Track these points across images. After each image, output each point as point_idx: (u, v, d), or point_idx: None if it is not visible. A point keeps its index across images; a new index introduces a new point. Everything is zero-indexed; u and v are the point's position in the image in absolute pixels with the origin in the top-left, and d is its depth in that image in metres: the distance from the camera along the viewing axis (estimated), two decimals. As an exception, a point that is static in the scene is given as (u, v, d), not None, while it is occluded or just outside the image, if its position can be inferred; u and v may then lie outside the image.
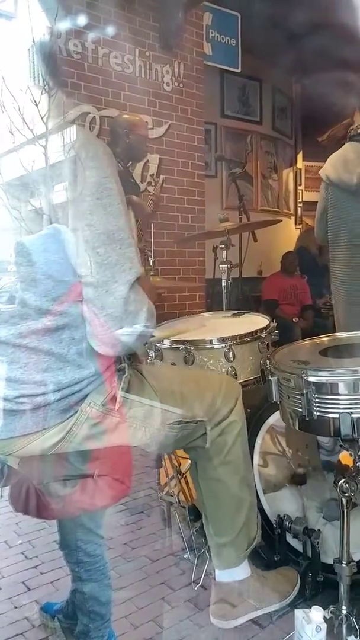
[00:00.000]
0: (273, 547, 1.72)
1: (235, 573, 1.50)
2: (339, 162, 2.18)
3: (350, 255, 2.23)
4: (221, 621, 1.47)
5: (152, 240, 3.24)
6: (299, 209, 6.99)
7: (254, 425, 1.82)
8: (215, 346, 1.76)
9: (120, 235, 1.16)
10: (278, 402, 1.48)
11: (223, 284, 2.56)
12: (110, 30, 3.87)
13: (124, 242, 1.16)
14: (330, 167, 2.22)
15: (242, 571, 1.51)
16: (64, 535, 1.45)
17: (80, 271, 1.15)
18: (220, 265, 2.57)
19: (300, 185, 6.98)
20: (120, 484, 1.26)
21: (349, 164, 2.13)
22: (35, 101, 1.20)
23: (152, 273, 2.21)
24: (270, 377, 1.47)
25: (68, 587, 1.54)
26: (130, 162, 3.13)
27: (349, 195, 2.18)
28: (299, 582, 1.60)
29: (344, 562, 1.34)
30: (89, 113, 3.78)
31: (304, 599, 1.59)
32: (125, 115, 3.03)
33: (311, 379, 1.29)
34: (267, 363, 1.50)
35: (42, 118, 1.20)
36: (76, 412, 1.19)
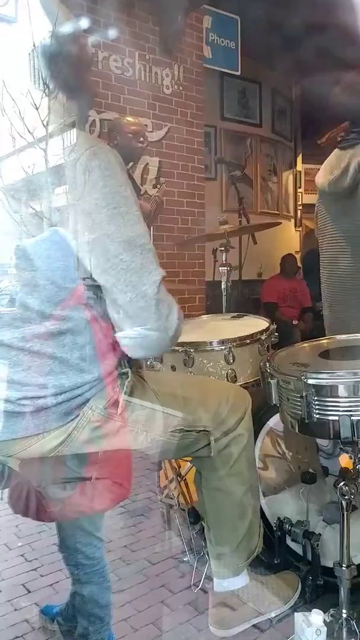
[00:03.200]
0: (273, 550, 1.72)
1: (233, 582, 1.50)
2: (324, 168, 2.24)
3: (332, 258, 2.25)
4: (220, 630, 1.47)
5: (151, 243, 3.24)
6: (299, 212, 7.00)
7: (253, 428, 1.81)
8: (215, 348, 1.76)
9: (141, 240, 1.17)
10: (278, 405, 1.48)
11: (223, 287, 2.57)
12: (110, 33, 3.88)
13: (144, 248, 1.17)
14: (320, 174, 2.27)
15: (240, 580, 1.50)
16: (63, 538, 1.45)
17: (105, 279, 1.15)
18: (220, 268, 2.57)
19: (300, 187, 6.99)
20: (119, 487, 1.26)
21: (327, 170, 2.17)
22: (35, 105, 1.21)
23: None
24: (269, 380, 1.46)
25: (68, 590, 1.54)
26: (131, 164, 3.13)
27: (330, 200, 2.23)
28: (299, 586, 1.60)
29: (344, 565, 1.33)
30: (89, 116, 3.78)
31: (304, 602, 1.59)
32: (122, 118, 3.03)
33: (311, 381, 1.29)
34: (267, 365, 1.50)
35: (42, 122, 1.21)
36: (78, 416, 1.19)
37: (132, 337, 1.17)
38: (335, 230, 2.19)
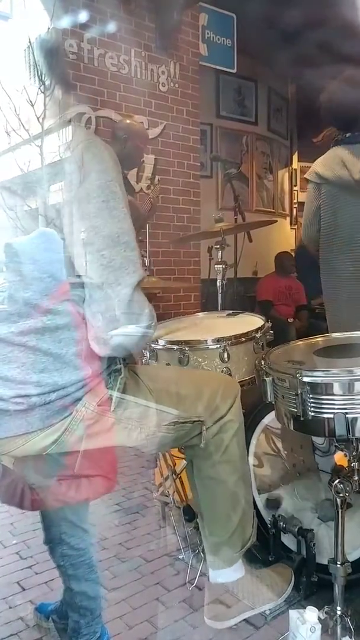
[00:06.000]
0: (267, 547, 1.73)
1: (229, 574, 1.50)
2: (333, 162, 2.20)
3: (352, 253, 2.24)
4: (215, 622, 1.47)
5: (147, 240, 3.24)
6: (294, 210, 7.00)
7: (249, 425, 1.82)
8: (210, 346, 1.76)
9: (125, 238, 1.17)
10: (273, 402, 1.48)
11: (218, 284, 2.56)
12: (106, 30, 3.87)
13: (128, 245, 1.17)
14: (323, 168, 2.23)
15: (236, 572, 1.50)
16: (49, 528, 1.45)
17: (83, 273, 1.15)
18: (216, 266, 2.57)
19: (295, 185, 6.99)
20: (107, 480, 1.27)
21: (347, 162, 2.15)
22: (31, 101, 1.21)
23: (147, 273, 2.20)
24: (265, 378, 1.47)
25: (62, 587, 1.54)
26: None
27: (346, 193, 2.21)
28: (293, 578, 1.60)
29: (338, 562, 1.34)
30: (85, 113, 3.77)
31: (299, 600, 1.60)
32: (128, 121, 3.01)
33: (306, 379, 1.29)
34: (262, 363, 1.50)
35: (38, 118, 1.20)
36: (72, 413, 1.19)
37: (131, 335, 1.17)
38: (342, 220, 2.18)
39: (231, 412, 1.46)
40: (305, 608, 1.33)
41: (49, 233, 1.17)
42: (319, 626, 1.30)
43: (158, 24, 4.15)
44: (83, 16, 3.73)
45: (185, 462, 1.65)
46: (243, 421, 1.51)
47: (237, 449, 1.48)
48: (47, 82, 1.19)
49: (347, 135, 2.18)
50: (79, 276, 1.17)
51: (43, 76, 1.18)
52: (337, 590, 1.35)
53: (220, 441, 1.44)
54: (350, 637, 1.32)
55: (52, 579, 1.80)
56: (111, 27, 3.89)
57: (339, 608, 1.34)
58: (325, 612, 1.34)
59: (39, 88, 1.16)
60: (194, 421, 1.38)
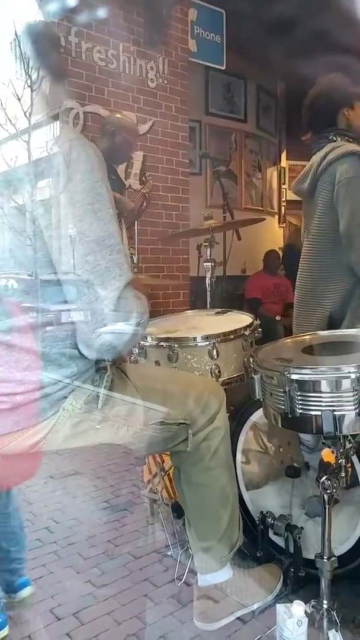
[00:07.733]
0: (256, 543, 1.74)
1: (217, 577, 1.51)
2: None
3: (302, 257, 2.24)
4: (204, 623, 1.48)
5: (136, 237, 3.23)
6: (283, 208, 7.03)
7: (237, 422, 1.83)
8: (199, 344, 1.76)
9: (111, 241, 1.15)
10: (261, 400, 1.49)
11: (207, 282, 2.57)
12: (94, 24, 3.84)
13: (113, 249, 1.16)
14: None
15: (224, 574, 1.51)
16: None
17: (68, 277, 1.14)
18: (205, 263, 2.57)
19: (284, 184, 7.01)
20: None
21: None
22: (17, 96, 1.19)
23: (135, 270, 2.20)
24: (253, 375, 1.47)
25: None
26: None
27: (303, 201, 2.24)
28: (281, 578, 1.61)
29: (325, 557, 1.35)
30: (73, 108, 3.75)
31: (286, 594, 1.61)
32: (117, 115, 2.99)
33: (294, 376, 1.29)
34: (251, 361, 1.50)
35: (25, 113, 1.19)
36: (57, 411, 1.18)
37: (117, 336, 1.17)
38: (304, 231, 2.21)
39: (218, 419, 1.46)
40: (292, 602, 1.34)
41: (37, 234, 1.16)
42: (305, 620, 1.31)
43: (147, 18, 4.13)
44: (71, 9, 3.70)
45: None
46: (229, 428, 1.52)
47: (224, 456, 1.49)
48: (34, 76, 1.17)
49: (318, 141, 2.15)
50: (55, 274, 1.16)
51: (30, 70, 1.17)
52: (324, 584, 1.36)
53: (206, 448, 1.45)
54: (337, 631, 1.33)
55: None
56: (99, 21, 3.86)
57: (325, 602, 1.35)
58: (312, 606, 1.36)
59: (26, 82, 1.14)
60: (180, 423, 1.38)
